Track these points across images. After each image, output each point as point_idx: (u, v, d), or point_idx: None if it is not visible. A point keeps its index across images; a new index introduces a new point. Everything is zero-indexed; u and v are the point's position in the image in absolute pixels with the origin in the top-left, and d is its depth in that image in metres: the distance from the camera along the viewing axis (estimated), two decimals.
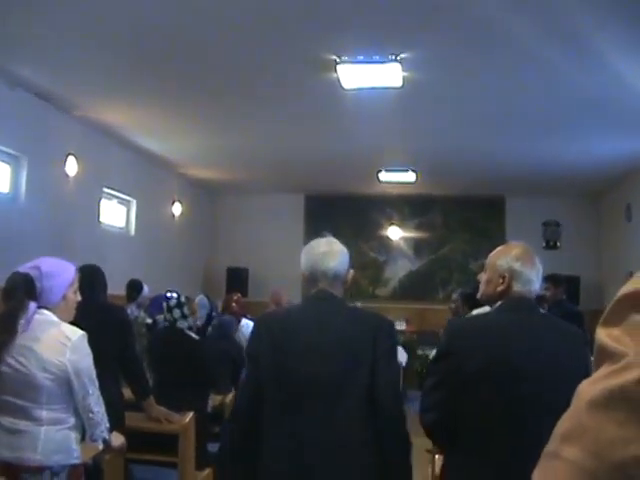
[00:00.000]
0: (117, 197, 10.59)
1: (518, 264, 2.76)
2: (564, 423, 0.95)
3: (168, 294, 9.28)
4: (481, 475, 2.57)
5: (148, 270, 9.64)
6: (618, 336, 0.96)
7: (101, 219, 9.84)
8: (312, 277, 2.90)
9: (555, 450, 0.93)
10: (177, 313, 5.20)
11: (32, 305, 3.05)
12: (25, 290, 3.05)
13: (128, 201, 10.97)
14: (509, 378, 2.55)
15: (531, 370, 2.55)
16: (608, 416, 0.89)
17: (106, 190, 10.02)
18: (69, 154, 8.55)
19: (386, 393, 2.69)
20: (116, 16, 5.75)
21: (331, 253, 2.90)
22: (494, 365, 2.56)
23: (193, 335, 5.25)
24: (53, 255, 3.34)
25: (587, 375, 2.20)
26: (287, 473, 2.63)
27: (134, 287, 7.70)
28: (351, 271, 3.01)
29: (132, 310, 6.95)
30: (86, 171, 8.91)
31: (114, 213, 10.61)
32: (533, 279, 2.76)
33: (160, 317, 7.67)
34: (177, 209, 12.65)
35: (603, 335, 0.99)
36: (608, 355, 0.96)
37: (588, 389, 0.94)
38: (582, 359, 2.62)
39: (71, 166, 8.60)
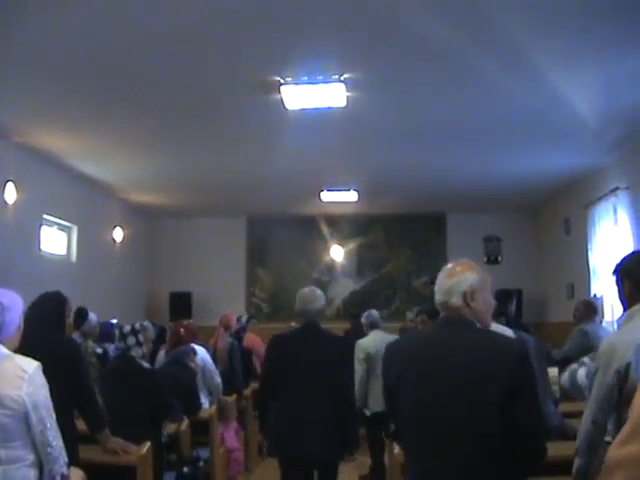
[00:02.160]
0: (57, 224, 10.36)
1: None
2: None
3: (113, 321, 9.14)
4: (413, 476, 2.76)
5: (90, 297, 9.39)
6: None
7: (42, 246, 9.64)
8: (302, 313, 4.92)
9: None
10: (132, 341, 5.02)
11: None
12: None
13: (69, 227, 10.75)
14: (415, 386, 2.67)
15: (437, 378, 2.60)
16: None
17: (46, 217, 9.81)
18: (8, 180, 8.34)
19: (345, 388, 4.81)
20: (53, 42, 5.67)
21: (313, 298, 4.92)
22: (404, 375, 2.74)
23: (145, 364, 5.12)
24: None
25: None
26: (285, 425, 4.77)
27: (79, 314, 7.52)
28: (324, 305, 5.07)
29: (76, 338, 6.78)
30: (25, 198, 8.70)
31: (55, 240, 10.39)
32: (440, 290, 2.77)
33: (110, 346, 7.48)
34: (118, 234, 12.44)
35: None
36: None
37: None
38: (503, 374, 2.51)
39: (10, 193, 8.39)
